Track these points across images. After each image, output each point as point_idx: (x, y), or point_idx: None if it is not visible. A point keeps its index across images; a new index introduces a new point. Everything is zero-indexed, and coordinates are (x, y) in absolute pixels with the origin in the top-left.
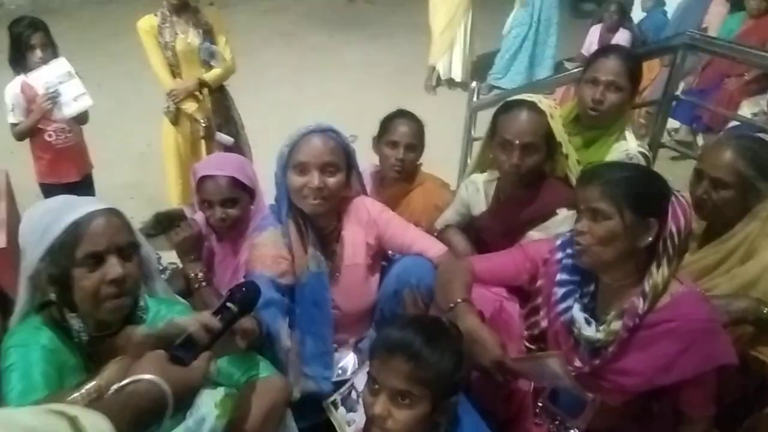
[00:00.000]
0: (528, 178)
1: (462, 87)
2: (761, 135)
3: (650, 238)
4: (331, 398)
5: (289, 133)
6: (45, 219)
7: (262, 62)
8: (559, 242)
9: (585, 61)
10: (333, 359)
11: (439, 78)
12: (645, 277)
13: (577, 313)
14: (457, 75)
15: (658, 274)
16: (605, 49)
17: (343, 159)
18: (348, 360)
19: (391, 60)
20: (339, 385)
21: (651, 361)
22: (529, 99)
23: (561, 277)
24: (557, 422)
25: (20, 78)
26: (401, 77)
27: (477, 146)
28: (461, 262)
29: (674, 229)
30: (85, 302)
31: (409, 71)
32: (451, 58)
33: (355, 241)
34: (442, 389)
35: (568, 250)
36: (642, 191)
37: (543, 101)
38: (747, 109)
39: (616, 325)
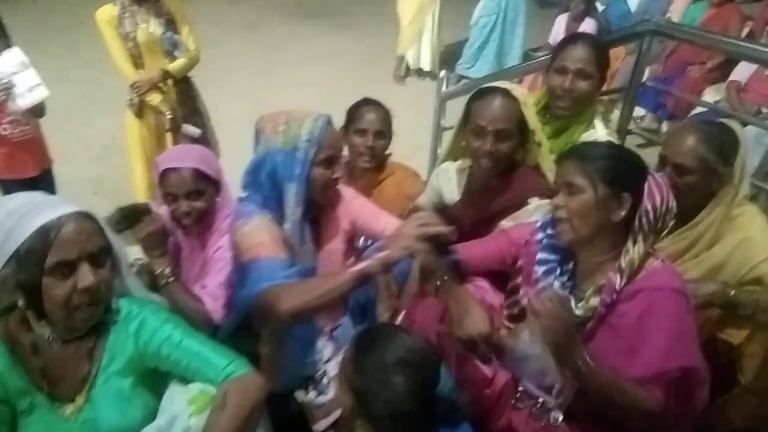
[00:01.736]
0: (500, 166)
1: (431, 76)
2: (723, 120)
3: (623, 213)
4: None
5: (296, 128)
6: (8, 222)
7: (227, 53)
8: (539, 223)
9: (552, 50)
10: (316, 346)
11: (407, 68)
12: (622, 254)
13: (558, 291)
14: (426, 64)
15: (634, 251)
16: (573, 37)
17: None
18: (325, 348)
19: (359, 50)
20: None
21: (622, 343)
22: (502, 86)
23: (541, 256)
24: (538, 405)
25: None
26: (369, 67)
27: (447, 136)
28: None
29: (650, 206)
30: (55, 311)
31: (377, 61)
32: (419, 48)
33: (334, 226)
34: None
35: (549, 231)
36: (615, 166)
37: (516, 89)
38: (710, 97)
39: (594, 301)
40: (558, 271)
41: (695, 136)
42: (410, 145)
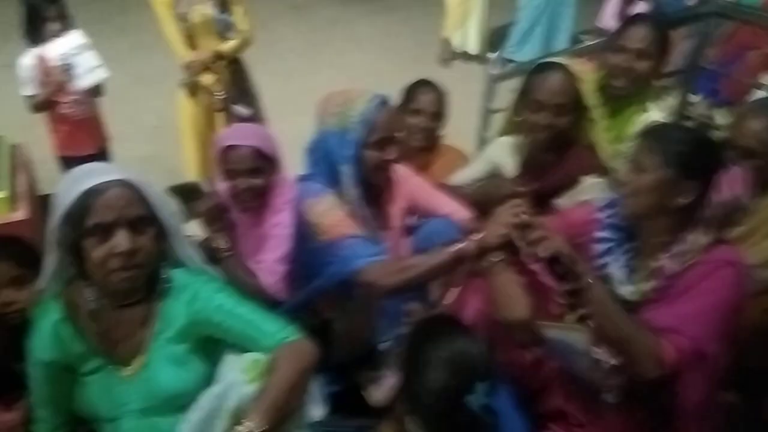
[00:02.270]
0: (556, 142)
1: (476, 60)
2: None
3: (687, 200)
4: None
5: (348, 109)
6: (65, 185)
7: (274, 35)
8: (602, 202)
9: (601, 34)
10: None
11: (453, 51)
12: (680, 240)
13: (616, 270)
14: (472, 48)
15: (692, 240)
16: (635, 18)
17: None
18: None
19: (405, 32)
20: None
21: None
22: (561, 62)
23: (602, 234)
24: (589, 388)
25: (35, 50)
26: (415, 50)
27: (496, 119)
28: None
29: (721, 199)
30: (95, 272)
31: (423, 44)
32: (466, 31)
33: (392, 205)
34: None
35: (611, 210)
36: (689, 152)
37: (575, 65)
38: None
39: (648, 285)
40: (618, 250)
41: (762, 119)
42: (455, 129)
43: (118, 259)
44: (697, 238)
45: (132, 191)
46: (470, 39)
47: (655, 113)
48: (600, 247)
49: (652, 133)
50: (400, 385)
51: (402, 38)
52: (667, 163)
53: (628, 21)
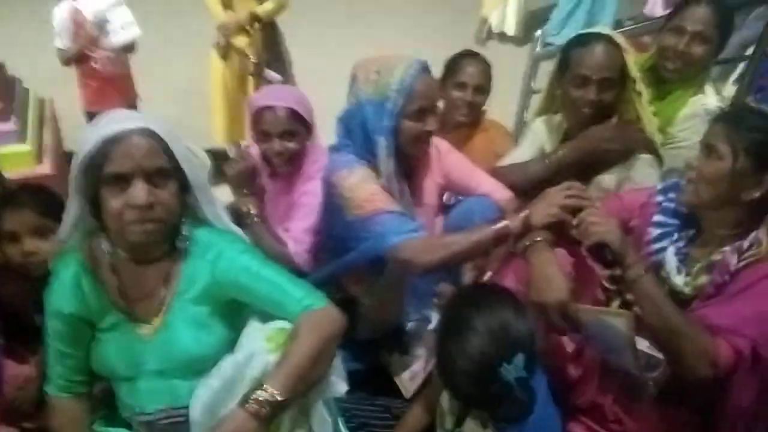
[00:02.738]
0: (598, 118)
1: (514, 41)
2: None
3: (758, 193)
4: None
5: (386, 77)
6: (87, 132)
7: (307, 4)
8: (661, 186)
9: (647, 21)
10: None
11: (490, 30)
12: (747, 235)
13: (670, 257)
14: (510, 28)
15: (758, 237)
16: None
17: None
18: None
19: (440, 9)
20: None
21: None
22: (604, 32)
23: (658, 218)
24: (628, 381)
25: (69, 2)
26: (451, 27)
27: (536, 99)
28: None
29: None
30: (111, 223)
31: (459, 22)
32: (504, 11)
33: (428, 180)
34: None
35: (671, 194)
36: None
37: (616, 35)
38: None
39: (703, 279)
40: (675, 236)
41: None
42: (492, 110)
43: (134, 211)
44: (761, 238)
45: (154, 141)
46: (509, 19)
47: (712, 97)
48: (655, 232)
49: (730, 117)
50: (435, 353)
51: (437, 15)
52: (743, 151)
53: None
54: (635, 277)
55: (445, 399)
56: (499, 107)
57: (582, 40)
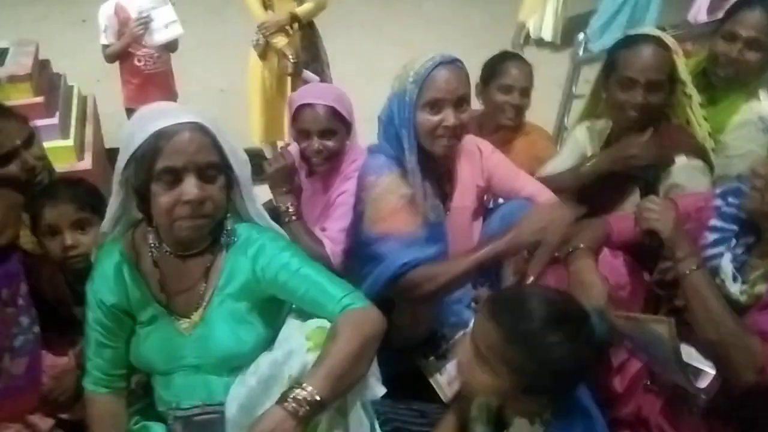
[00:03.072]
0: (648, 121)
1: (551, 48)
2: None
3: None
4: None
5: (409, 69)
6: (135, 125)
7: (344, 10)
8: (720, 190)
9: (690, 27)
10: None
11: (527, 36)
12: None
13: (726, 263)
14: (547, 35)
15: None
16: (752, 0)
17: (470, 90)
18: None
19: (478, 14)
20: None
21: None
22: (652, 33)
23: (716, 222)
24: (677, 392)
25: (115, 0)
26: (488, 33)
27: (578, 105)
28: (598, 220)
29: None
30: (160, 218)
31: (496, 27)
32: (542, 16)
33: (466, 182)
34: (556, 382)
35: (730, 199)
36: None
37: (666, 36)
38: None
39: (761, 288)
40: (732, 242)
41: None
42: (530, 118)
43: (185, 207)
44: None
45: (205, 136)
46: (546, 25)
47: (766, 104)
48: (711, 237)
49: None
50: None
51: (472, 19)
52: None
53: (743, 3)
54: (687, 270)
55: (475, 407)
56: (537, 114)
57: (629, 42)
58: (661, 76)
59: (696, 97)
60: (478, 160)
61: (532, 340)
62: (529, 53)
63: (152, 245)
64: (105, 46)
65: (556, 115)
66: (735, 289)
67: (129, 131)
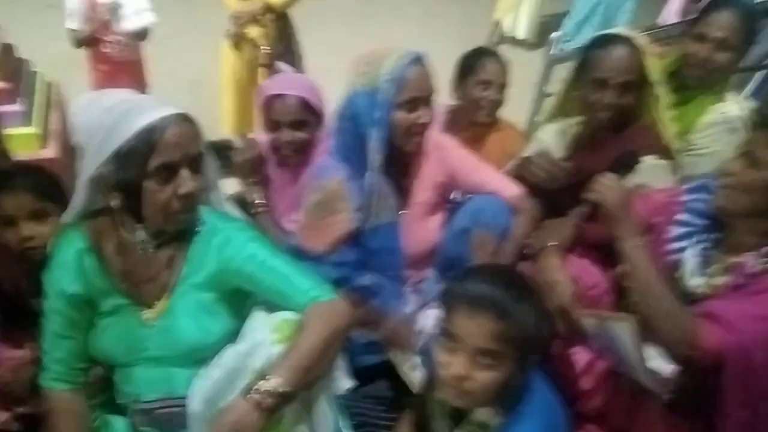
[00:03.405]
0: (615, 120)
1: (525, 46)
2: None
3: None
4: None
5: (377, 67)
6: (110, 117)
7: (322, 2)
8: (689, 186)
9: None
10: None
11: (502, 34)
12: None
13: (690, 258)
14: (522, 33)
15: None
16: (722, 2)
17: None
18: (410, 301)
19: (452, 11)
20: None
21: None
22: (624, 34)
23: (683, 217)
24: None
25: None
26: (463, 30)
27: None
28: (567, 218)
29: None
30: (153, 215)
31: (471, 24)
32: (517, 15)
33: (426, 177)
34: (527, 348)
35: (698, 195)
36: None
37: (638, 36)
38: None
39: (721, 279)
40: (698, 237)
41: None
42: (503, 115)
43: (181, 200)
44: None
45: (192, 126)
46: (521, 24)
47: (733, 105)
48: (677, 231)
49: None
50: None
51: (449, 17)
52: None
53: (714, 4)
54: (627, 246)
55: (432, 403)
56: (511, 111)
57: (601, 42)
58: (632, 77)
59: (664, 98)
60: (441, 156)
61: (522, 306)
62: (504, 51)
63: (140, 239)
64: (72, 31)
65: (529, 113)
66: (693, 282)
67: (106, 125)
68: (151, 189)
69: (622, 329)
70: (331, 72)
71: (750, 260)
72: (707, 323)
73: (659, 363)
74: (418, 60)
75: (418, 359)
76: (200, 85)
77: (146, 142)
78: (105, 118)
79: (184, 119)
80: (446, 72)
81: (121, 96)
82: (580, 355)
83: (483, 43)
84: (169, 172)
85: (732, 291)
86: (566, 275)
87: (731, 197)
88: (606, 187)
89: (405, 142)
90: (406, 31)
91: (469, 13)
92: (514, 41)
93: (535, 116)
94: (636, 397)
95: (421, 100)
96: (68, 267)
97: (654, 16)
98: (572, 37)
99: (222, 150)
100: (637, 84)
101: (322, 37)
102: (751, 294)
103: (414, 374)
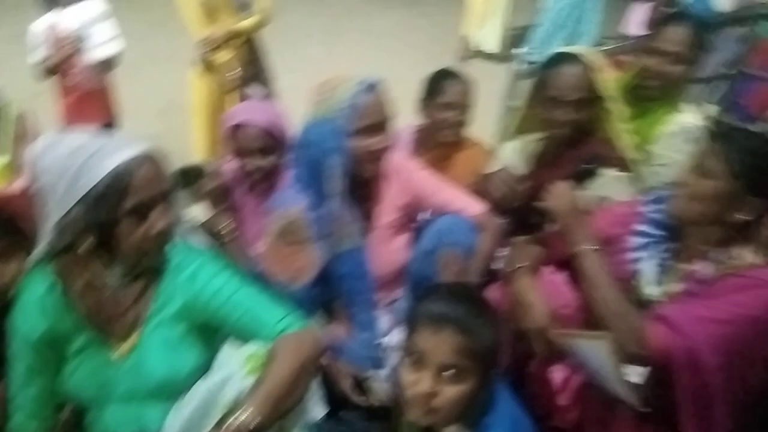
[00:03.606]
0: (574, 136)
1: (495, 59)
2: None
3: (746, 217)
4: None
5: (334, 95)
6: (76, 159)
7: (290, 22)
8: (647, 197)
9: (625, 41)
10: (377, 324)
11: (472, 48)
12: (728, 251)
13: (648, 267)
14: (492, 47)
15: (737, 253)
16: (675, 17)
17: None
18: (384, 321)
19: (422, 27)
20: None
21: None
22: (575, 52)
23: (642, 227)
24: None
25: (50, 16)
26: (433, 46)
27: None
28: (536, 238)
29: None
30: (130, 254)
31: (441, 40)
32: (486, 29)
33: (389, 200)
34: (489, 362)
35: (657, 206)
36: (762, 166)
37: (590, 54)
38: None
39: (676, 287)
40: (657, 247)
41: None
42: (474, 128)
43: (156, 238)
44: (744, 254)
45: (159, 162)
46: (490, 38)
47: (690, 116)
48: (636, 241)
49: (725, 137)
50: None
51: (419, 33)
52: (735, 173)
53: (665, 20)
54: (579, 251)
55: (403, 426)
56: (481, 125)
57: (554, 62)
58: (585, 93)
59: (619, 112)
60: (402, 179)
61: (481, 320)
62: (474, 65)
63: (118, 279)
64: (39, 62)
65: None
66: (650, 291)
67: (72, 169)
68: (126, 230)
69: (600, 347)
70: (302, 91)
71: (702, 267)
72: (656, 324)
73: (635, 374)
74: (372, 87)
75: (382, 372)
76: (173, 110)
77: (118, 184)
78: (70, 162)
79: (152, 156)
80: (415, 89)
81: (82, 137)
82: (557, 373)
83: (453, 58)
84: (142, 211)
85: (685, 297)
86: (541, 296)
87: (684, 206)
88: (555, 194)
89: (363, 168)
90: (376, 49)
91: (439, 28)
92: (484, 55)
93: (504, 130)
94: (609, 408)
95: (377, 126)
96: (34, 309)
97: (620, 26)
98: (540, 49)
99: (194, 175)
100: (590, 100)
101: (292, 58)
102: (702, 298)
103: (377, 386)
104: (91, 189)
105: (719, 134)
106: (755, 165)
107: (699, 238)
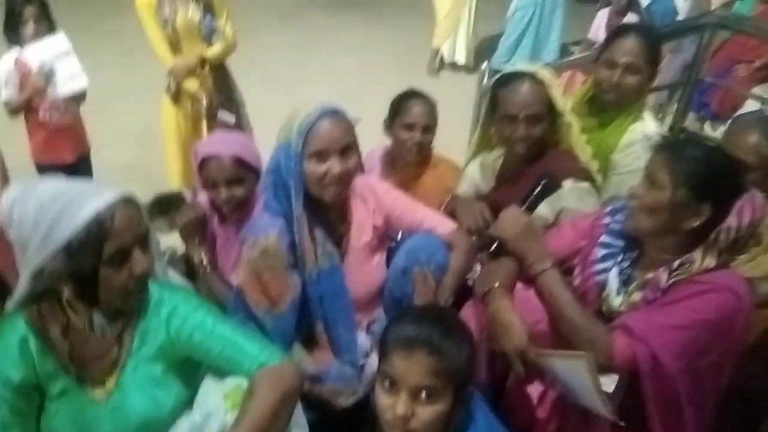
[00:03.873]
0: (533, 150)
1: (465, 70)
2: None
3: (697, 223)
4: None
5: (293, 121)
6: (49, 211)
7: (261, 43)
8: (609, 208)
9: (591, 45)
10: (358, 345)
11: (442, 61)
12: (684, 257)
13: (612, 278)
14: (461, 58)
15: (698, 262)
16: (625, 29)
17: (355, 138)
18: (364, 343)
19: (393, 42)
20: None
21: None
22: (525, 70)
23: (605, 239)
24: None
25: (14, 52)
26: (404, 60)
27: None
28: (509, 257)
29: (734, 225)
30: (111, 299)
31: (411, 54)
32: (455, 41)
33: (361, 223)
34: (462, 380)
35: (618, 217)
36: (706, 173)
37: (539, 70)
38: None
39: (637, 296)
40: (620, 257)
41: (757, 132)
42: (445, 140)
43: (136, 280)
44: (699, 259)
45: (137, 207)
46: (459, 49)
47: (650, 123)
48: (600, 252)
49: (669, 148)
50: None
51: (390, 47)
52: (681, 182)
53: (616, 32)
54: (538, 271)
55: None
56: (453, 137)
57: (505, 80)
58: (538, 109)
59: (575, 124)
60: (373, 201)
61: (452, 340)
62: (445, 77)
63: (100, 324)
64: (6, 102)
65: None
66: (617, 302)
67: (48, 219)
68: (106, 275)
69: (578, 366)
70: (276, 110)
71: (660, 275)
72: (619, 335)
73: (608, 381)
74: (331, 113)
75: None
76: (147, 138)
77: (97, 231)
78: (44, 212)
79: (130, 202)
80: (386, 104)
81: (54, 186)
82: (534, 388)
83: (424, 71)
84: (122, 255)
85: (647, 305)
86: (518, 316)
87: (638, 218)
88: (504, 221)
89: (320, 192)
90: (348, 65)
91: (409, 42)
92: (455, 66)
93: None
94: (587, 419)
95: (330, 151)
96: (11, 354)
97: (585, 32)
98: (509, 57)
99: (170, 203)
100: (544, 115)
101: (264, 77)
102: (662, 305)
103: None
104: (70, 238)
105: (664, 145)
106: (698, 173)
107: (657, 246)
